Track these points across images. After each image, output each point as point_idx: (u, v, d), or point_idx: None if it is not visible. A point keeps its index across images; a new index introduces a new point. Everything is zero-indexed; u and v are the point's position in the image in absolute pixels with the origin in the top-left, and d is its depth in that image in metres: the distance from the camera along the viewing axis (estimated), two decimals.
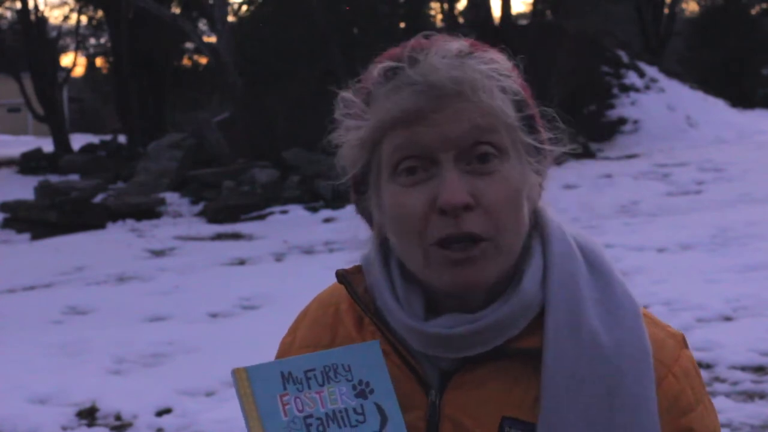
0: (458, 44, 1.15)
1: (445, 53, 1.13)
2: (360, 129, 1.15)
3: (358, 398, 1.13)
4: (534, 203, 1.19)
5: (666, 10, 35.57)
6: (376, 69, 1.16)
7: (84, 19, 32.09)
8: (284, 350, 1.32)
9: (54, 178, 19.31)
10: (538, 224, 1.20)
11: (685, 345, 1.21)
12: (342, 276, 1.25)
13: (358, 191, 1.22)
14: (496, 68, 1.14)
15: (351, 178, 1.21)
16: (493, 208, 1.11)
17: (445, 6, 23.91)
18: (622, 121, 22.89)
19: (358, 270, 1.25)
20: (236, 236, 13.44)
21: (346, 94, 1.18)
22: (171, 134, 20.77)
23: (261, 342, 6.88)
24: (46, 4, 65.31)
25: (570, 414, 1.11)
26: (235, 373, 1.12)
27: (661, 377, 1.15)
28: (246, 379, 1.11)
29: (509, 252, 1.14)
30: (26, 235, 14.57)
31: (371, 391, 1.13)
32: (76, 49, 33.05)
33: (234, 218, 14.93)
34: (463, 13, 25.26)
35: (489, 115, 1.12)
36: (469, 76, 1.11)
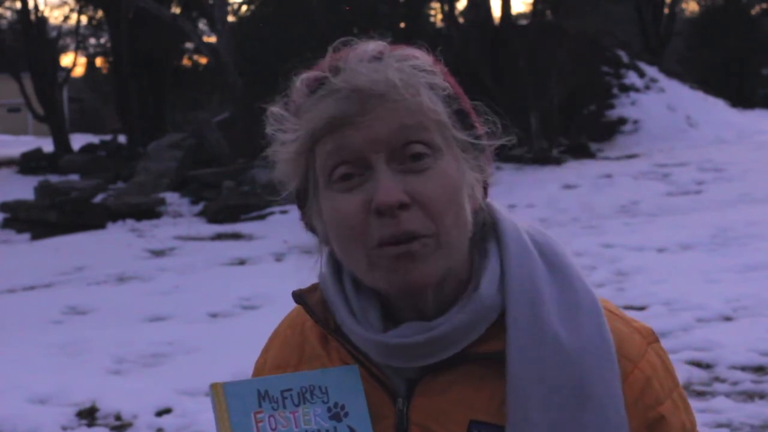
0: (376, 45, 1.14)
1: (363, 56, 1.13)
2: (292, 142, 1.16)
3: (331, 420, 1.13)
4: (477, 202, 1.17)
5: (666, 10, 35.58)
6: (301, 81, 1.16)
7: (84, 19, 32.12)
8: (258, 371, 1.33)
9: (54, 178, 19.33)
10: (491, 224, 1.19)
11: (654, 339, 1.20)
12: (298, 296, 1.25)
13: (300, 204, 1.22)
14: (418, 65, 1.13)
15: (294, 192, 1.21)
16: (430, 204, 1.10)
17: (445, 6, 23.91)
18: (622, 121, 22.89)
19: (315, 288, 1.25)
20: (236, 236, 13.44)
21: (274, 109, 1.18)
22: (171, 134, 20.79)
23: (261, 342, 6.90)
24: (46, 4, 65.36)
25: (537, 417, 1.11)
26: (212, 387, 1.13)
27: (626, 373, 1.14)
28: (222, 395, 1.13)
29: (452, 248, 1.13)
30: (26, 235, 14.58)
31: (346, 414, 1.14)
32: (76, 49, 33.06)
33: (234, 218, 14.93)
34: (463, 13, 25.26)
35: (416, 113, 1.11)
36: (391, 76, 1.11)
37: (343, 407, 1.14)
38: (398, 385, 1.17)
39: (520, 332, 1.12)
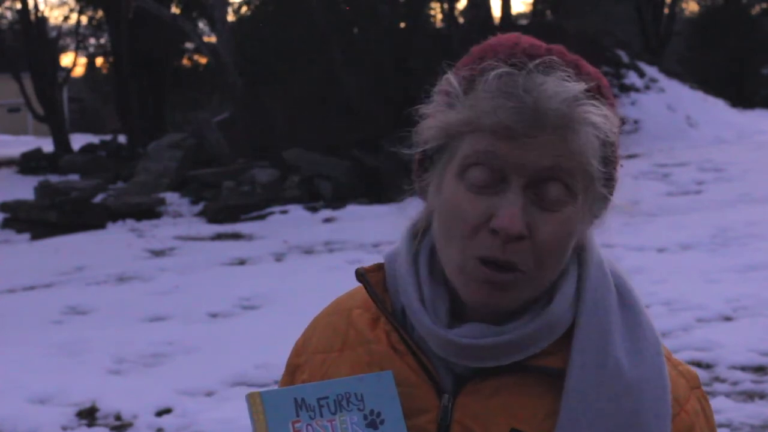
0: (578, 86, 1.11)
1: (563, 88, 1.10)
2: (449, 113, 1.14)
3: (368, 428, 1.14)
4: (580, 242, 1.19)
5: (666, 10, 35.57)
6: (490, 66, 1.12)
7: (84, 19, 32.10)
8: (297, 352, 1.33)
9: (54, 178, 19.31)
10: (578, 247, 1.20)
11: (697, 385, 1.23)
12: (361, 275, 1.24)
13: (421, 168, 1.20)
14: (604, 123, 1.13)
15: (419, 153, 1.19)
16: (544, 246, 1.11)
17: (445, 6, 23.91)
18: (622, 121, 22.89)
19: (377, 268, 1.26)
20: (236, 236, 13.44)
21: (450, 75, 1.16)
22: (171, 134, 20.76)
23: (261, 342, 6.91)
24: (46, 4, 65.31)
25: None
26: (249, 397, 1.13)
27: (674, 414, 1.16)
28: (260, 404, 1.12)
29: (540, 285, 1.15)
30: (26, 235, 14.57)
31: (382, 422, 1.14)
32: (76, 49, 33.05)
33: (234, 218, 14.93)
34: (463, 13, 25.26)
35: (576, 161, 1.12)
36: (575, 121, 1.10)
37: (378, 414, 1.14)
38: (446, 381, 1.17)
39: (584, 354, 1.14)
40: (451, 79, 1.15)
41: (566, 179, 1.12)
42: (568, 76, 1.12)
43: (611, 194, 1.19)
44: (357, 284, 1.30)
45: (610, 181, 1.18)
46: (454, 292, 1.17)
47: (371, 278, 1.24)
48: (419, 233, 1.23)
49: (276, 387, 1.33)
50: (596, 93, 1.15)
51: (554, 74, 1.11)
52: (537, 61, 1.12)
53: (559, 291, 1.16)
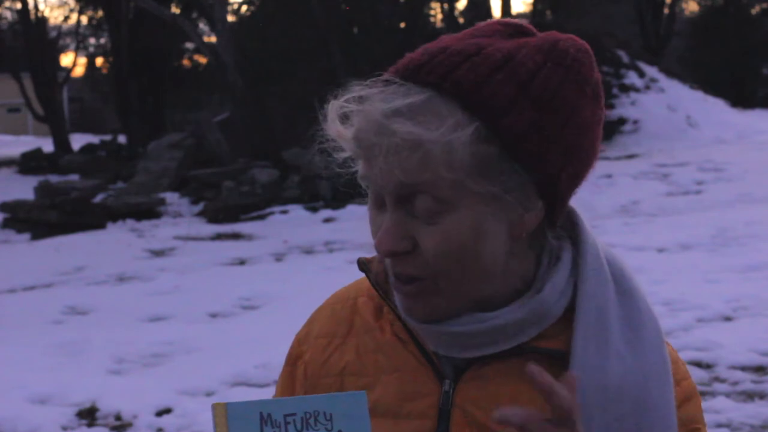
0: (402, 99, 1.07)
1: (384, 108, 1.07)
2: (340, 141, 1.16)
3: None
4: (524, 228, 1.13)
5: (666, 10, 35.59)
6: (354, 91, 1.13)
7: (84, 19, 32.14)
8: (299, 342, 1.33)
9: (54, 178, 19.33)
10: (570, 233, 1.20)
11: (688, 376, 1.25)
12: (363, 264, 1.26)
13: None
14: (431, 134, 1.06)
15: None
16: (431, 257, 1.10)
17: (445, 6, 23.94)
18: (622, 121, 22.89)
19: (379, 260, 1.27)
20: (236, 236, 13.44)
21: (332, 101, 1.17)
22: (171, 134, 20.78)
23: (261, 342, 6.91)
24: (46, 4, 65.33)
25: (596, 426, 1.13)
26: (214, 408, 1.11)
27: (676, 381, 1.19)
28: (224, 416, 1.11)
29: (459, 293, 1.13)
30: (26, 235, 14.58)
31: None
32: (76, 49, 33.08)
33: (234, 218, 14.93)
34: (463, 13, 25.29)
35: (424, 172, 1.07)
36: (395, 135, 1.06)
37: None
38: (447, 367, 1.19)
39: (586, 342, 1.15)
40: (330, 106, 1.15)
41: (430, 191, 1.08)
42: (399, 90, 1.09)
43: (522, 180, 1.10)
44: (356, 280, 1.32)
45: (506, 171, 1.09)
46: None
47: (373, 268, 1.25)
48: None
49: (275, 386, 1.33)
50: (429, 108, 1.07)
51: (382, 94, 1.09)
52: (374, 79, 1.12)
53: (550, 280, 1.16)
